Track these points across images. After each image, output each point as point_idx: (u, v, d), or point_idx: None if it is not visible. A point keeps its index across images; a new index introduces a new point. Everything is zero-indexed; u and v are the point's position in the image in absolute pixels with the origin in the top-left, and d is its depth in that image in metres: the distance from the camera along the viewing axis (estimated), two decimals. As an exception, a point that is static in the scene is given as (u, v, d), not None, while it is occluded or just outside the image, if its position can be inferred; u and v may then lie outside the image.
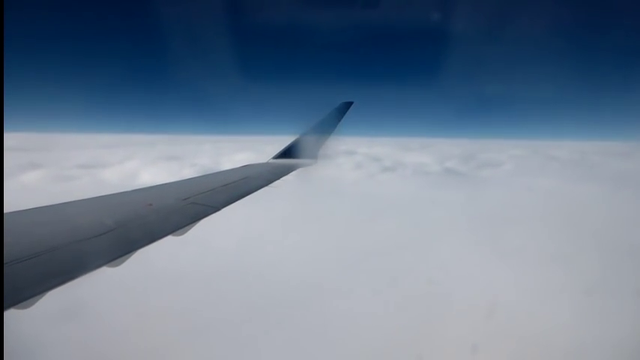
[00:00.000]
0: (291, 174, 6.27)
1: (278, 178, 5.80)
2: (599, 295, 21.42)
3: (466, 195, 44.87)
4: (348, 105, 8.20)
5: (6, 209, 3.34)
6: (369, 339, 17.44)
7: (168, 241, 3.62)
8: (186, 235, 4.08)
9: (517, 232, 31.22)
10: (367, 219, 34.47)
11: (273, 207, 26.46)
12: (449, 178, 59.03)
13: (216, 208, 4.18)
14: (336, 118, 7.94)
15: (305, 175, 6.67)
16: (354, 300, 20.76)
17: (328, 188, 40.61)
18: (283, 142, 7.91)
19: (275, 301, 19.59)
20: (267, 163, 7.25)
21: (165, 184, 4.94)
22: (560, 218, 35.38)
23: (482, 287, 22.35)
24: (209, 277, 21.19)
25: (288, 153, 7.53)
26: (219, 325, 17.24)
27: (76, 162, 55.77)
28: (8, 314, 2.09)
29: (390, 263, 25.40)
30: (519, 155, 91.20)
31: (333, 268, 24.23)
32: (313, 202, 35.18)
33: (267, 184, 5.43)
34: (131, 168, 51.95)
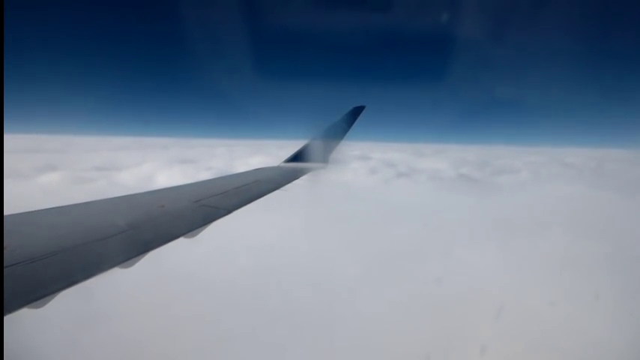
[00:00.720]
0: (302, 178, 6.26)
1: (289, 182, 5.80)
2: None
3: (489, 202, 44.16)
4: (359, 109, 8.16)
5: (27, 210, 3.41)
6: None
7: (181, 243, 3.64)
8: (199, 236, 4.11)
9: (551, 239, 30.71)
10: (395, 225, 34.14)
11: (296, 211, 26.44)
12: (465, 184, 58.17)
13: (227, 211, 4.18)
14: (347, 122, 7.91)
15: (316, 179, 6.65)
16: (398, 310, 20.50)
17: (347, 193, 40.57)
18: (296, 145, 7.92)
19: (310, 307, 19.51)
20: (278, 167, 7.27)
21: (177, 186, 4.98)
22: (592, 226, 34.60)
23: (529, 295, 22.11)
24: (228, 281, 21.22)
25: (299, 157, 7.52)
26: (237, 332, 17.22)
27: (91, 164, 56.97)
28: (21, 313, 2.11)
29: (432, 269, 25.15)
30: (535, 162, 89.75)
31: (371, 273, 24.14)
32: (335, 207, 35.13)
33: (278, 188, 5.42)
34: (147, 171, 52.72)
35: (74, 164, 57.10)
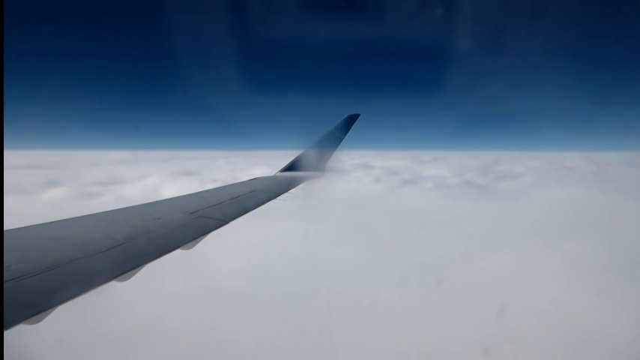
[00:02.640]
0: (298, 187, 6.29)
1: (285, 191, 5.83)
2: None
3: (504, 207, 43.76)
4: (354, 117, 8.23)
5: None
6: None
7: (177, 255, 3.67)
8: (194, 248, 4.13)
9: (582, 244, 30.36)
10: (424, 233, 33.78)
11: (309, 222, 26.11)
12: (472, 190, 57.72)
13: (224, 222, 4.21)
14: (342, 130, 7.97)
15: (312, 188, 6.68)
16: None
17: (359, 202, 40.36)
18: (293, 155, 7.96)
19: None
20: (274, 177, 7.30)
21: (173, 197, 5.02)
22: (607, 229, 34.20)
23: (573, 299, 21.88)
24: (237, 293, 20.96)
25: (295, 166, 7.56)
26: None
27: (94, 179, 57.02)
28: (17, 329, 2.13)
29: (471, 275, 24.93)
30: (535, 167, 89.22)
31: (409, 282, 23.90)
32: (354, 216, 34.97)
33: (274, 197, 5.46)
34: (151, 184, 52.66)
35: (76, 179, 57.12)
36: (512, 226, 36.30)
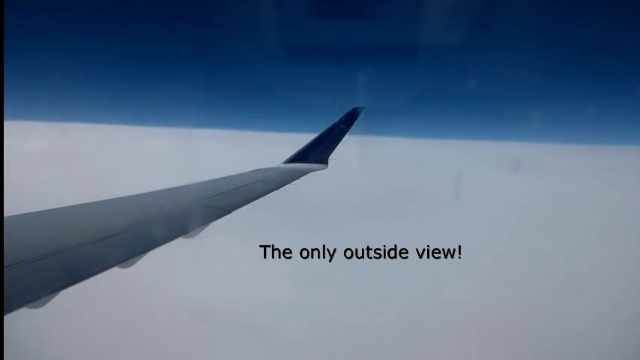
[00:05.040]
0: (302, 178, 6.29)
1: (289, 182, 5.83)
2: None
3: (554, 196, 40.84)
4: (359, 110, 8.20)
5: None
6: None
7: (180, 243, 3.65)
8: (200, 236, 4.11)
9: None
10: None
11: None
12: (500, 177, 53.37)
13: (227, 211, 4.20)
14: (346, 122, 7.96)
15: (316, 179, 6.67)
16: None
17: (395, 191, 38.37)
18: (299, 141, 7.86)
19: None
20: (278, 168, 7.30)
21: (177, 187, 5.00)
22: None
23: None
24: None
25: (299, 157, 7.56)
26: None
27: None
28: (20, 313, 2.12)
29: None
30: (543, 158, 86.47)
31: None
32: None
33: (278, 188, 5.45)
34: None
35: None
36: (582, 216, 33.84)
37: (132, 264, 3.07)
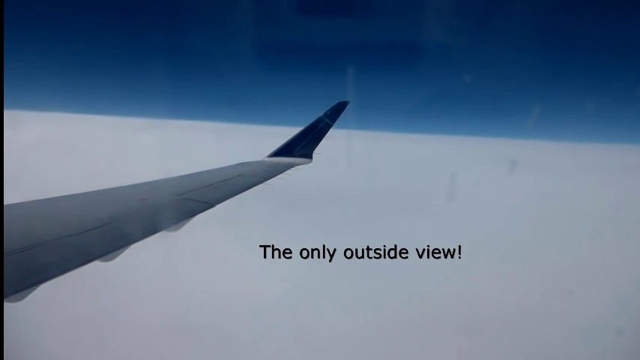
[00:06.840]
0: (285, 172, 6.32)
1: (273, 176, 5.85)
2: None
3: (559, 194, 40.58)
4: (344, 104, 8.24)
5: None
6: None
7: (162, 236, 3.64)
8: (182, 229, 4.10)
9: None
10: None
11: None
12: (502, 175, 52.77)
13: (210, 205, 4.20)
14: (331, 117, 8.01)
15: (300, 173, 6.71)
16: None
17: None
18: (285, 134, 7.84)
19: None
20: (262, 162, 7.30)
21: (160, 180, 4.97)
22: None
23: None
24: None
25: (283, 151, 7.58)
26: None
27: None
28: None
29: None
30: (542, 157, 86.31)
31: None
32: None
33: (262, 182, 5.47)
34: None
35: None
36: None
37: (113, 257, 3.06)
